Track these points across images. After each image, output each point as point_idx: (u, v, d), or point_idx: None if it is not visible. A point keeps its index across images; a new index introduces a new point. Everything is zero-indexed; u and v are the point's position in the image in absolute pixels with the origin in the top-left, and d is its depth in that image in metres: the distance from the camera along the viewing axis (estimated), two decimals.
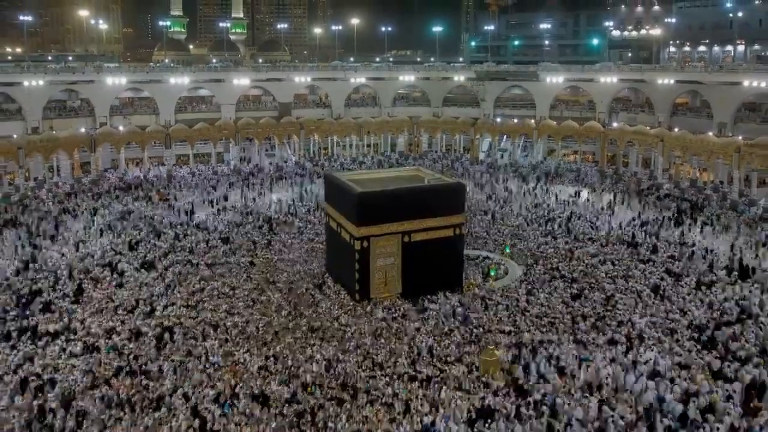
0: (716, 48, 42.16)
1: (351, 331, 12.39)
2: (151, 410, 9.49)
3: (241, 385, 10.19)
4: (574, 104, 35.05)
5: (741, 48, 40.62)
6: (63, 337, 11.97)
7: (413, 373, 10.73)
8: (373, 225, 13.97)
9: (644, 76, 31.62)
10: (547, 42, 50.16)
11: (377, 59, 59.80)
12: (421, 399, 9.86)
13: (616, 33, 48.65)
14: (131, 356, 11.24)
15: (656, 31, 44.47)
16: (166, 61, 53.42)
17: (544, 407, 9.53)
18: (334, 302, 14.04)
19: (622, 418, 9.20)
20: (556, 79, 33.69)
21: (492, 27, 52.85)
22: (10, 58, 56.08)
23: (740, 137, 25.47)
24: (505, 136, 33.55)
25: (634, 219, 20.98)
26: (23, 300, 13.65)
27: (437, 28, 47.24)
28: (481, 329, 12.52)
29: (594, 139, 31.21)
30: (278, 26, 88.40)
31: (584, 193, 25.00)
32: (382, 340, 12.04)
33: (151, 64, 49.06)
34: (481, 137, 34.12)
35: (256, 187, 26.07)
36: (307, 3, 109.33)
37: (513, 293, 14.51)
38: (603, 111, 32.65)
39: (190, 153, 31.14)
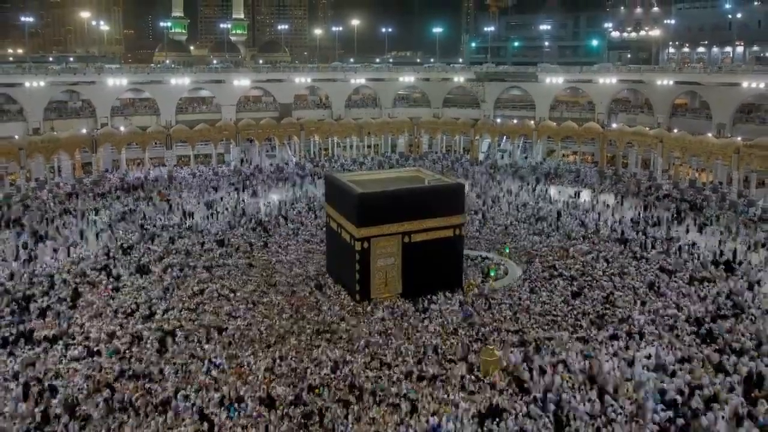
0: (715, 49, 42.28)
1: (357, 331, 12.37)
2: (156, 414, 9.42)
3: (246, 387, 10.15)
4: (574, 105, 35.09)
5: (740, 49, 40.74)
6: (62, 342, 11.90)
7: (420, 372, 10.74)
8: (373, 226, 14.04)
9: (643, 77, 31.71)
10: (546, 43, 50.22)
11: (377, 60, 59.89)
12: (428, 399, 9.85)
13: (615, 34, 48.77)
14: (133, 360, 11.19)
15: (655, 33, 44.59)
16: (167, 62, 53.72)
17: (551, 405, 9.63)
18: (334, 303, 14.05)
19: (622, 408, 9.42)
20: (555, 80, 33.76)
21: (492, 28, 52.95)
22: (11, 59, 56.25)
23: (739, 138, 25.54)
24: (504, 137, 33.69)
25: (632, 218, 21.15)
26: (20, 304, 13.52)
27: (437, 29, 47.43)
28: (486, 328, 12.61)
29: (593, 139, 31.28)
30: (279, 27, 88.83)
31: (584, 194, 25.12)
32: (390, 340, 12.07)
33: (152, 65, 49.11)
34: (481, 138, 34.22)
35: (252, 188, 25.96)
36: (308, 4, 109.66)
37: (516, 292, 14.66)
38: (602, 112, 32.72)
39: (191, 154, 31.21)
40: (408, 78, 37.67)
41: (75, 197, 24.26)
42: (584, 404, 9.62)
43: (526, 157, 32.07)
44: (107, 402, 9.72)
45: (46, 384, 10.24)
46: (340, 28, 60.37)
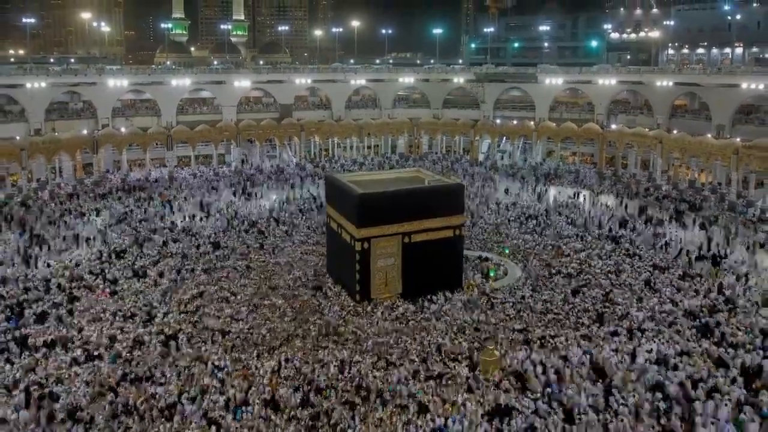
0: (714, 50, 42.40)
1: (364, 332, 12.34)
2: (163, 419, 9.31)
3: (252, 390, 10.09)
4: (573, 106, 35.17)
5: (739, 50, 40.87)
6: (60, 347, 11.71)
7: (426, 372, 10.77)
8: (373, 226, 14.08)
9: (643, 79, 31.79)
10: (546, 44, 50.31)
11: (377, 61, 60.18)
12: (434, 399, 9.83)
13: (614, 35, 48.94)
14: (136, 364, 11.07)
15: (655, 34, 44.71)
16: (168, 63, 53.84)
17: (555, 402, 9.74)
18: (335, 304, 14.02)
19: (625, 399, 9.61)
20: (555, 81, 33.83)
21: (491, 29, 53.09)
22: (12, 60, 56.47)
23: (738, 139, 25.59)
24: (504, 138, 33.75)
25: (623, 217, 21.45)
26: (13, 309, 13.24)
27: (437, 31, 47.49)
28: (490, 326, 12.72)
29: (592, 140, 31.36)
30: (279, 28, 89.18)
31: (583, 195, 25.21)
32: (399, 339, 12.07)
33: (153, 66, 49.11)
34: (481, 139, 34.29)
35: (245, 190, 25.76)
36: (308, 5, 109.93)
37: (518, 291, 14.80)
38: (602, 113, 32.76)
39: (192, 154, 31.28)
40: (408, 79, 37.74)
41: (76, 198, 24.31)
42: (588, 398, 9.77)
43: (525, 159, 32.13)
44: (112, 405, 9.65)
45: (48, 390, 10.08)
46: (341, 30, 60.47)
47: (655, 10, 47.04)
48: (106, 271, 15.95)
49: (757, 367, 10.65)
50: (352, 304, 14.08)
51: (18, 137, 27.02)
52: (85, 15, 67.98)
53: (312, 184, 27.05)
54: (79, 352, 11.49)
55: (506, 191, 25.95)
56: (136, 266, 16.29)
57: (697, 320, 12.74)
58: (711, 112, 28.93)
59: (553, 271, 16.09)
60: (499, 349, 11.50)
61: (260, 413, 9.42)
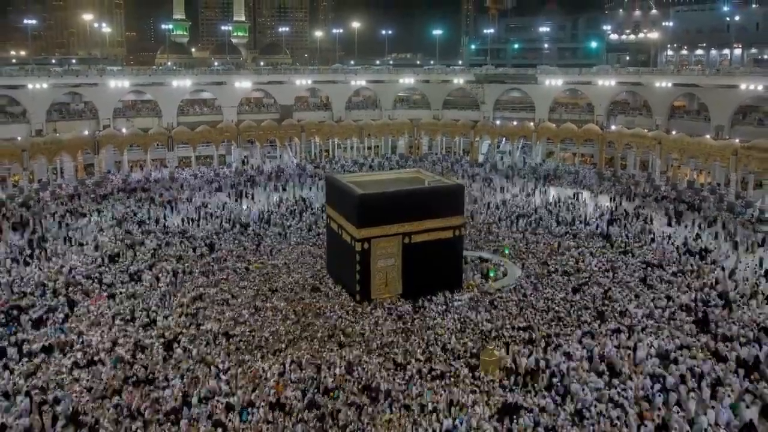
0: (713, 51, 42.50)
1: (372, 332, 12.35)
2: (169, 423, 9.21)
3: (257, 392, 10.03)
4: (573, 107, 35.25)
5: (738, 51, 40.98)
6: (59, 352, 11.55)
7: (432, 372, 10.81)
8: (373, 226, 14.14)
9: (642, 80, 31.87)
10: (546, 45, 50.53)
11: (377, 62, 60.27)
12: (441, 399, 9.84)
13: (614, 36, 49.07)
14: (138, 367, 10.92)
15: (654, 35, 44.78)
16: (169, 64, 53.98)
17: (559, 396, 9.89)
18: (336, 305, 14.00)
19: (627, 390, 9.90)
20: (554, 82, 33.94)
21: (491, 30, 53.30)
22: (14, 61, 56.68)
23: (737, 140, 25.73)
24: (504, 139, 33.83)
25: (612, 215, 21.78)
26: (12, 314, 13.03)
27: (437, 32, 47.60)
28: (493, 325, 12.84)
29: (590, 141, 31.46)
30: (279, 29, 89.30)
31: (582, 195, 25.34)
32: (407, 338, 12.14)
33: (154, 67, 49.49)
34: (481, 139, 34.38)
35: (237, 192, 25.59)
36: (309, 6, 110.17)
37: (520, 289, 14.96)
38: (601, 114, 32.84)
39: (193, 155, 31.39)
40: (408, 80, 37.82)
41: (77, 198, 24.38)
42: (591, 393, 9.95)
43: (524, 160, 32.22)
44: (117, 408, 9.55)
45: (50, 395, 9.93)
46: (341, 31, 60.63)
47: (654, 12, 47.19)
48: (102, 274, 15.68)
49: (753, 359, 11.00)
50: (352, 304, 14.12)
51: (19, 138, 27.15)
52: (87, 16, 68.20)
53: (305, 186, 27.02)
54: (79, 355, 11.36)
55: (501, 190, 26.13)
56: (131, 270, 16.03)
57: (693, 314, 13.13)
58: (710, 113, 29.01)
59: (551, 269, 16.31)
60: (503, 347, 11.62)
61: (267, 415, 9.36)
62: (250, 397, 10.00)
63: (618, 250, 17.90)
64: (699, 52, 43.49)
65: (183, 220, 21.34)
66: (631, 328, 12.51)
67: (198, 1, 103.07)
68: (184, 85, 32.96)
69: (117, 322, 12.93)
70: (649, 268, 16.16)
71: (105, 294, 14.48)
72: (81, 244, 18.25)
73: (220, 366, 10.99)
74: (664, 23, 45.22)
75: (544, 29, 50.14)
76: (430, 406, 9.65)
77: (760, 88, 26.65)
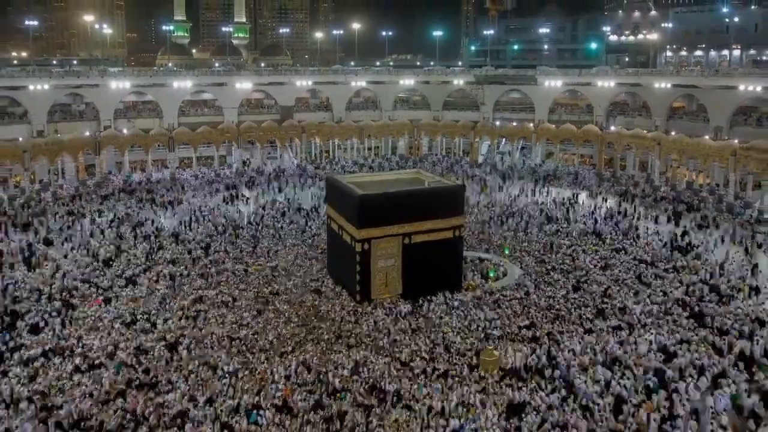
0: (712, 52, 42.66)
1: (381, 332, 12.34)
2: (175, 428, 9.13)
3: (264, 394, 9.96)
4: (573, 108, 35.35)
5: (737, 52, 41.12)
6: (59, 357, 11.34)
7: (439, 371, 10.84)
8: (373, 227, 14.20)
9: (641, 81, 32.00)
10: (545, 46, 50.75)
11: (378, 63, 60.57)
12: (449, 400, 9.83)
13: (613, 38, 49.20)
14: (141, 371, 10.83)
15: (653, 36, 44.94)
16: (170, 65, 54.07)
17: (563, 391, 10.03)
18: (337, 304, 14.02)
19: (628, 385, 10.15)
20: (554, 83, 34.05)
21: (491, 31, 53.39)
22: (15, 62, 56.72)
23: (736, 140, 25.79)
24: (504, 139, 33.93)
25: (602, 214, 22.14)
26: (7, 320, 12.77)
27: (437, 33, 47.85)
28: (504, 322, 12.97)
29: (590, 141, 31.54)
30: (280, 31, 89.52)
31: (582, 196, 25.47)
32: (410, 338, 12.18)
33: (155, 68, 49.54)
34: (481, 140, 34.48)
35: (230, 193, 25.40)
36: (309, 8, 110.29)
37: (523, 287, 15.11)
38: (600, 115, 32.95)
39: (194, 156, 31.49)
40: (408, 81, 37.92)
41: (78, 199, 24.42)
42: (596, 388, 10.14)
43: (524, 161, 32.33)
44: (122, 411, 9.47)
45: (53, 401, 9.79)
46: (341, 32, 60.84)
47: (653, 13, 47.31)
48: (98, 278, 15.44)
49: (750, 351, 11.39)
50: (352, 304, 14.18)
51: (21, 139, 27.22)
52: (88, 17, 68.37)
53: (305, 186, 26.93)
54: (78, 360, 11.17)
55: (500, 189, 26.27)
56: (127, 274, 15.79)
57: (689, 309, 13.45)
58: (709, 113, 29.09)
59: (548, 268, 16.53)
60: (510, 345, 11.75)
61: (274, 418, 9.31)
62: (257, 399, 9.86)
63: (610, 247, 18.24)
64: (698, 53, 43.63)
65: (181, 223, 21.03)
66: (632, 325, 12.75)
67: (199, 3, 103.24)
68: (184, 86, 33.06)
69: (116, 326, 12.78)
70: (642, 265, 16.51)
71: (101, 298, 14.26)
72: (73, 249, 17.87)
73: (225, 369, 10.92)
74: (663, 24, 45.35)
75: (543, 30, 50.27)
76: (439, 406, 9.63)
77: (758, 89, 26.72)
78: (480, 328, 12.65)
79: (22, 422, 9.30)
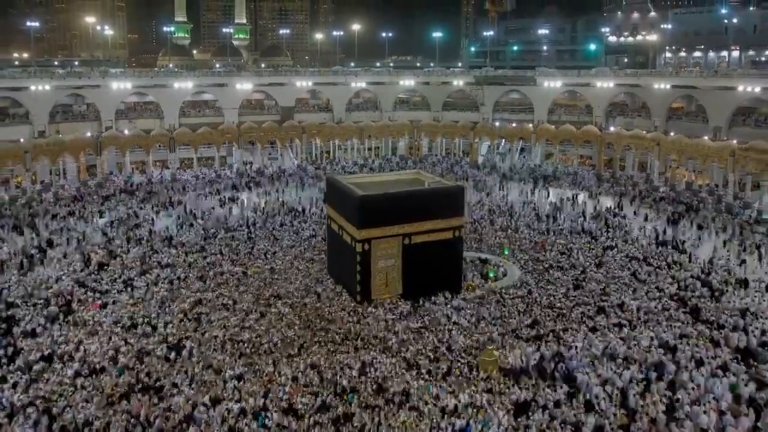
0: (711, 53, 42.81)
1: (390, 333, 12.37)
2: None
3: (270, 396, 9.92)
4: (572, 109, 35.42)
5: (736, 53, 41.25)
6: (59, 362, 11.18)
7: (443, 371, 10.91)
8: (374, 227, 14.27)
9: (640, 81, 32.09)
10: (545, 47, 50.84)
11: (378, 64, 60.56)
12: (458, 400, 9.84)
13: (612, 39, 49.34)
14: (145, 375, 10.71)
15: (652, 37, 45.09)
16: (171, 66, 54.16)
17: (568, 387, 10.19)
18: (337, 307, 14.02)
19: (631, 377, 10.42)
20: (553, 84, 34.15)
21: (491, 32, 53.67)
22: (17, 63, 56.81)
23: (735, 141, 25.87)
24: (503, 140, 34.02)
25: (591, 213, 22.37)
26: (2, 327, 12.51)
27: (437, 34, 47.81)
28: (510, 321, 13.11)
29: (591, 143, 31.63)
30: (280, 32, 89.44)
31: (581, 197, 25.55)
32: (416, 337, 12.23)
33: (156, 69, 49.60)
34: (480, 141, 34.58)
35: (224, 194, 25.32)
36: (309, 9, 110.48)
37: (526, 286, 15.30)
38: (600, 115, 33.02)
39: (194, 156, 31.60)
40: (408, 82, 38.03)
41: (79, 199, 24.49)
42: (602, 383, 10.32)
43: (523, 163, 32.44)
44: (126, 414, 9.39)
45: (55, 406, 9.66)
46: (341, 33, 60.96)
47: (652, 14, 47.43)
48: (95, 282, 15.24)
49: (745, 343, 11.82)
50: (353, 305, 14.23)
51: (22, 139, 27.29)
52: (89, 19, 68.49)
53: (305, 187, 26.94)
54: (77, 365, 11.00)
55: (500, 188, 26.40)
56: (123, 277, 15.61)
57: (684, 304, 13.83)
58: (708, 114, 29.17)
59: (546, 266, 16.75)
60: (515, 344, 11.88)
61: (282, 420, 9.26)
62: (263, 401, 9.77)
63: (601, 245, 18.49)
64: (697, 54, 43.75)
65: (177, 225, 20.77)
66: (632, 321, 12.99)
67: (199, 4, 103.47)
68: (185, 87, 33.17)
69: (117, 329, 12.64)
70: (634, 261, 16.81)
71: (98, 302, 14.07)
72: (66, 255, 17.46)
73: (230, 372, 10.84)
74: (662, 25, 45.48)
75: (543, 31, 50.34)
76: (450, 405, 9.64)
77: (757, 89, 26.79)
78: (489, 326, 12.75)
79: (24, 429, 9.19)
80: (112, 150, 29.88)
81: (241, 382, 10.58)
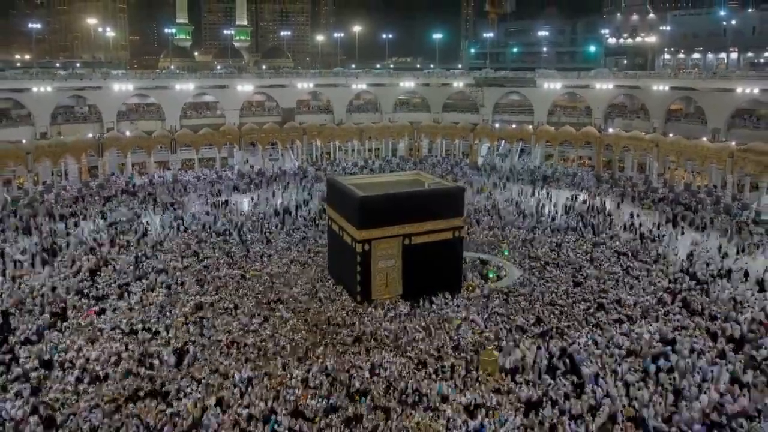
0: (710, 55, 42.94)
1: (401, 333, 12.35)
2: None
3: (280, 400, 9.85)
4: (572, 110, 35.58)
5: (734, 55, 41.40)
6: (59, 369, 10.95)
7: (450, 370, 10.95)
8: (374, 228, 14.33)
9: (639, 83, 32.20)
10: (544, 49, 50.89)
11: (378, 66, 60.69)
12: (470, 400, 9.85)
13: (612, 40, 49.50)
14: (149, 380, 10.59)
15: (651, 39, 45.23)
16: (172, 67, 54.19)
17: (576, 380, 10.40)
18: (338, 306, 14.02)
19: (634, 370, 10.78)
20: (553, 86, 34.28)
21: (491, 34, 53.78)
22: (19, 64, 56.85)
23: (733, 143, 25.98)
24: (503, 141, 34.13)
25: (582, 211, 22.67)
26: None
27: (437, 36, 47.90)
28: (508, 320, 13.24)
29: (590, 144, 31.77)
30: (281, 34, 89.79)
31: (580, 197, 25.68)
32: (424, 337, 12.27)
33: (157, 70, 49.88)
34: (480, 142, 34.70)
35: (219, 195, 25.20)
36: (310, 11, 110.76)
37: (527, 285, 15.47)
38: (599, 117, 33.14)
39: (195, 158, 31.77)
40: (408, 83, 38.16)
41: (81, 201, 24.59)
42: (609, 377, 10.54)
43: (523, 164, 32.52)
44: (132, 419, 9.28)
45: (59, 414, 9.48)
46: (342, 35, 61.17)
47: (651, 16, 47.64)
48: (90, 288, 14.92)
49: (738, 333, 12.21)
50: (353, 305, 14.30)
51: (24, 141, 27.39)
52: (91, 20, 68.72)
53: (305, 189, 26.91)
54: (78, 372, 10.81)
55: (502, 188, 26.61)
56: (120, 282, 15.34)
57: (676, 297, 14.15)
58: (706, 116, 29.28)
59: (542, 263, 16.99)
60: (524, 340, 12.05)
61: (293, 424, 9.19)
62: (272, 405, 9.69)
63: (590, 242, 18.81)
64: (696, 55, 43.91)
65: (173, 227, 20.48)
66: (630, 317, 13.26)
67: (201, 6, 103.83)
68: (187, 89, 33.30)
69: (116, 335, 12.42)
70: (624, 257, 17.18)
71: (94, 309, 13.77)
72: (56, 258, 17.03)
73: (237, 376, 10.72)
74: (661, 27, 45.64)
75: (542, 33, 50.48)
76: (463, 404, 9.66)
77: (756, 91, 26.88)
78: (497, 324, 12.89)
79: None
80: (113, 151, 30.02)
81: (250, 387, 10.45)
